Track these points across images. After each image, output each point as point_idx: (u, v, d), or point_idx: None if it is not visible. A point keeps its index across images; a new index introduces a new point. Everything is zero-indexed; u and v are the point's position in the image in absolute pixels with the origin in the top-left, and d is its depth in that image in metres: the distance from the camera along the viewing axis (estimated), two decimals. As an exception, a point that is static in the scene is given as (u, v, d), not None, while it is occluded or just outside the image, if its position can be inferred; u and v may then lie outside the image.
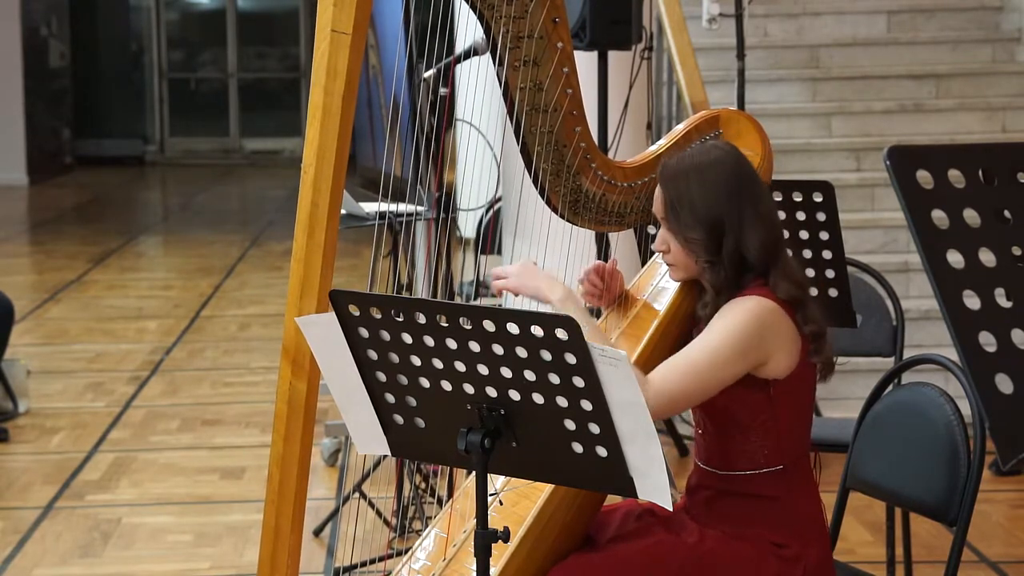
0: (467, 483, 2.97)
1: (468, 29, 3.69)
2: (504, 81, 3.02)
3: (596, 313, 3.21)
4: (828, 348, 2.89)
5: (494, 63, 3.02)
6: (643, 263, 3.37)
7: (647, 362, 2.93)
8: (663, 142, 3.21)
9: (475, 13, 2.98)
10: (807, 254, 3.73)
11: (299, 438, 2.97)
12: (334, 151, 2.89)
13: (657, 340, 2.99)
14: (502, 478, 2.88)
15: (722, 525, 2.89)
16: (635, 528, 2.90)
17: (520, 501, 2.83)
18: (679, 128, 3.23)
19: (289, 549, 3.00)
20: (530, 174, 3.09)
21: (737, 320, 2.78)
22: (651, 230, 3.38)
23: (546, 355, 2.30)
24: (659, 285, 3.15)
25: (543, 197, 3.14)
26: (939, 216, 2.51)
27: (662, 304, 3.07)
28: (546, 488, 2.80)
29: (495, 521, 2.70)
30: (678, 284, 3.06)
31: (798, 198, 3.68)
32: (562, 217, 3.18)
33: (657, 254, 3.25)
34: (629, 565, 2.79)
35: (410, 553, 2.87)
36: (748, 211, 2.83)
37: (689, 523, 2.92)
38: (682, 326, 3.04)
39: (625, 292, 3.17)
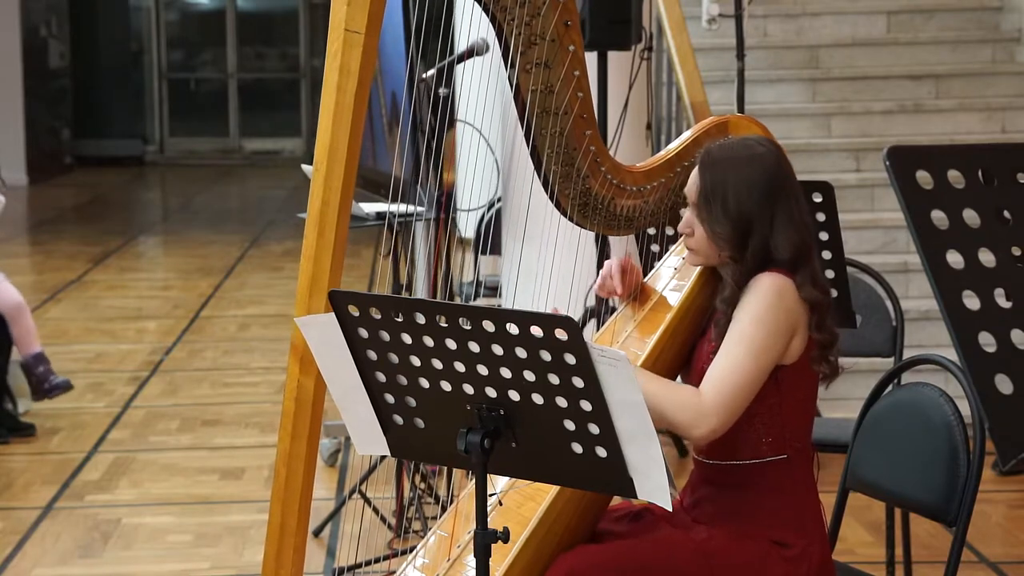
0: (472, 485, 2.96)
1: (468, 29, 3.69)
2: (516, 84, 3.01)
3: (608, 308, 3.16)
4: (836, 357, 2.91)
5: (506, 66, 3.01)
6: (643, 264, 3.36)
7: (658, 358, 2.94)
8: (673, 147, 3.19)
9: (487, 15, 2.96)
10: (807, 254, 3.73)
11: (306, 435, 2.97)
12: (345, 150, 2.89)
13: (668, 338, 2.99)
14: (508, 479, 2.88)
15: (725, 523, 2.89)
16: (638, 526, 2.91)
17: (525, 503, 2.82)
18: (687, 134, 3.21)
19: (295, 547, 2.99)
20: (540, 177, 3.08)
21: (761, 302, 2.80)
22: (652, 231, 3.37)
23: (545, 355, 2.30)
24: (666, 291, 3.13)
25: (552, 200, 3.13)
26: (939, 216, 2.51)
27: (674, 302, 3.05)
28: (552, 490, 2.79)
29: (501, 522, 2.70)
30: (689, 282, 3.06)
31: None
32: (571, 220, 3.17)
33: (661, 260, 3.24)
34: (636, 555, 2.79)
35: (414, 553, 2.87)
36: (781, 214, 2.85)
37: (693, 522, 2.92)
38: (695, 321, 3.03)
39: (642, 285, 3.16)
